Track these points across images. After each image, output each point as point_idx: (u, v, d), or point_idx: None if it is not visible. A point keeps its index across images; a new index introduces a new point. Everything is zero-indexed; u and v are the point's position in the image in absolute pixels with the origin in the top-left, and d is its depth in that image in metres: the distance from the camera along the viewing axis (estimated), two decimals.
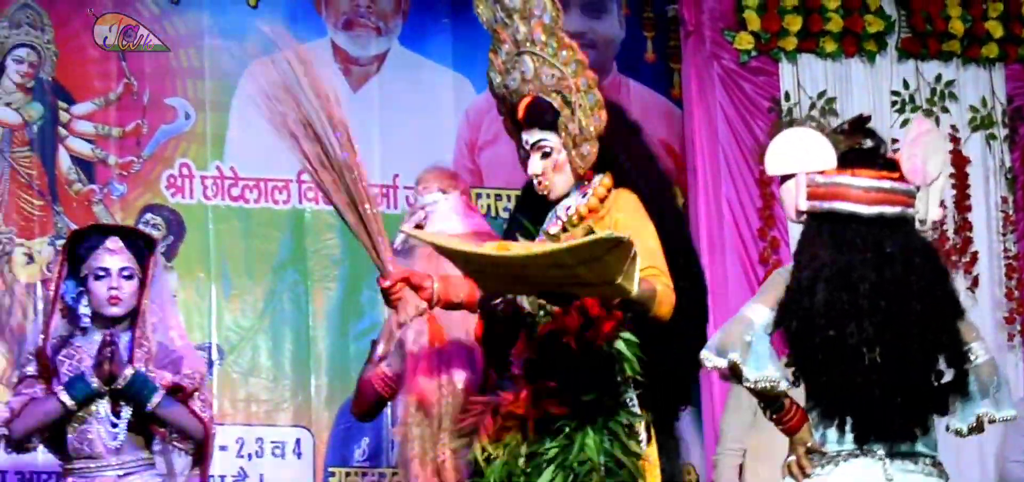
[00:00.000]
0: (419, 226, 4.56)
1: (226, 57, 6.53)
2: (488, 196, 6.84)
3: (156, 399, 4.51)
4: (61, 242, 5.90)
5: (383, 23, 6.81)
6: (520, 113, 3.90)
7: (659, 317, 3.65)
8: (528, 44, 3.85)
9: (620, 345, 3.64)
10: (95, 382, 4.48)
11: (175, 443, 4.60)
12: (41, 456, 5.18)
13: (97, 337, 4.57)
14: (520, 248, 3.48)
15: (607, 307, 3.59)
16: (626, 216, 3.77)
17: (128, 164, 6.48)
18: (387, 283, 3.91)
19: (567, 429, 3.64)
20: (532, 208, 4.01)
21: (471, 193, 5.44)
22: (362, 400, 4.93)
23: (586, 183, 3.91)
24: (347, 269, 6.54)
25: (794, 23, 6.89)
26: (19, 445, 4.60)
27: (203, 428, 4.60)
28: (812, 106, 6.90)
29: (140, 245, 4.70)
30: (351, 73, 6.75)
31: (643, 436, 3.76)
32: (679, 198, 3.87)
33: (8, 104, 6.39)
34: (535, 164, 3.90)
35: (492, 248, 3.46)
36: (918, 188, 3.69)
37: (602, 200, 3.86)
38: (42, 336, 4.63)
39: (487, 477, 3.72)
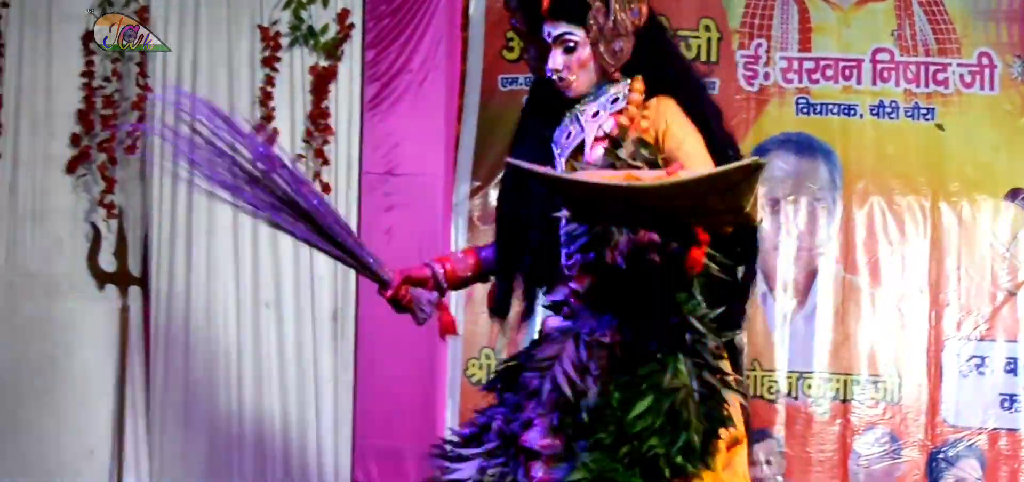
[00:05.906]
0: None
1: None
2: None
3: None
4: None
5: None
6: (544, 4, 3.69)
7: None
8: None
9: (710, 267, 3.38)
10: None
11: None
12: None
13: None
14: (653, 179, 3.23)
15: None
16: (675, 125, 3.59)
17: None
18: (391, 292, 3.84)
19: (659, 354, 3.45)
20: (543, 111, 3.80)
21: None
22: None
23: (611, 84, 3.71)
24: None
25: None
26: None
27: None
28: None
29: None
30: None
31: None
32: None
33: None
34: (556, 59, 3.69)
35: (620, 178, 3.25)
36: None
37: (639, 108, 3.66)
38: None
39: (579, 408, 3.53)
